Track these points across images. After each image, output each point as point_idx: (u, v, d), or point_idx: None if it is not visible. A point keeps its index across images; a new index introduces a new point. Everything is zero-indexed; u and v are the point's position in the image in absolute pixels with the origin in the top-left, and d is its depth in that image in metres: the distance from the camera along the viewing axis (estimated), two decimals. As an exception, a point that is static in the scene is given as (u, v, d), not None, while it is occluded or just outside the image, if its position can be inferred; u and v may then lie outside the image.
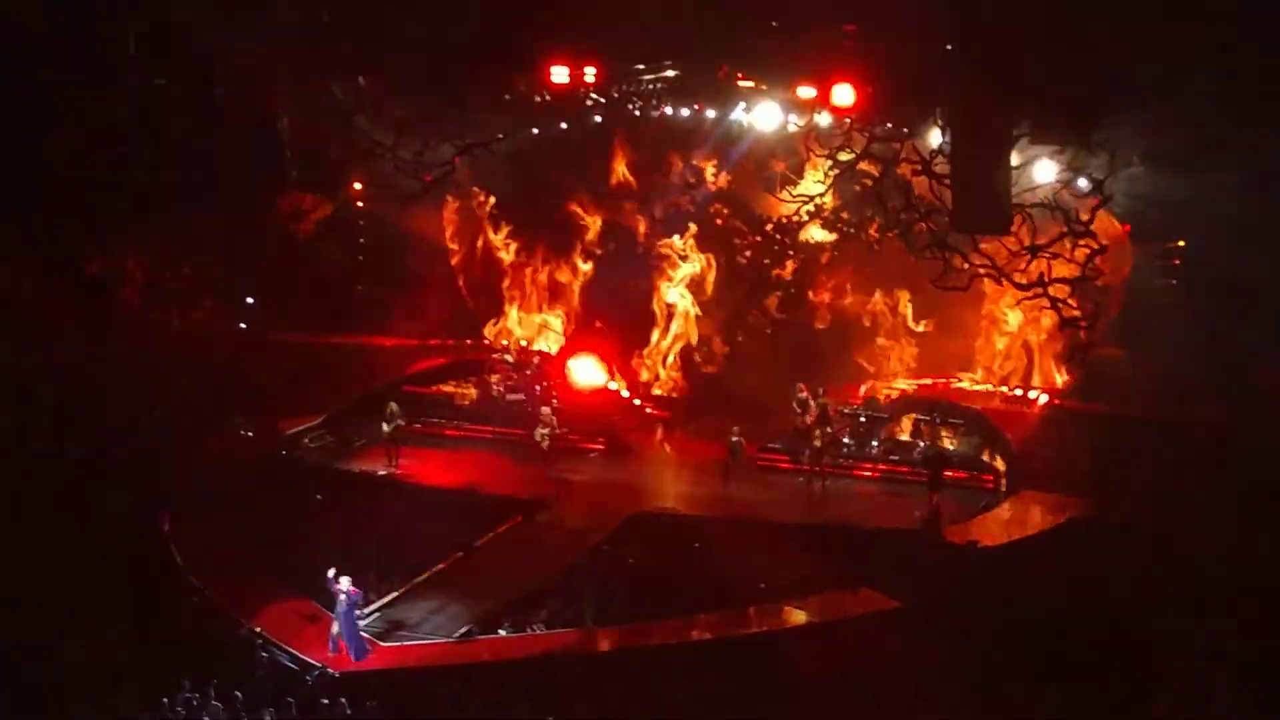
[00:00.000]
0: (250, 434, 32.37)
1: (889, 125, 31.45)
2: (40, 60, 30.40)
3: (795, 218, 38.55)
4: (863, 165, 33.11)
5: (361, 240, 40.47)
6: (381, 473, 32.39)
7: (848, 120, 32.26)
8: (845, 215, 38.18)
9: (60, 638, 23.48)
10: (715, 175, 39.64)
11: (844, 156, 33.11)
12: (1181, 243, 33.14)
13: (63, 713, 21.06)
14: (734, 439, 32.80)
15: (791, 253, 39.64)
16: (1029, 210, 29.80)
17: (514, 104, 35.63)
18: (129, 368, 31.36)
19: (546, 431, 33.89)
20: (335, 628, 23.92)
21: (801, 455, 32.96)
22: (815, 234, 39.08)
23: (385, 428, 32.92)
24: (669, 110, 36.85)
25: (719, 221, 40.02)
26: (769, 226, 39.61)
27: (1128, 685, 19.91)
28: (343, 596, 23.77)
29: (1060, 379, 36.67)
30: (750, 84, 33.91)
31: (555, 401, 35.85)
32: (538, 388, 37.32)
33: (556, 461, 33.88)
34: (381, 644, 24.67)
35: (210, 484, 29.87)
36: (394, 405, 33.18)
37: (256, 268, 37.01)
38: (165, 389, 32.28)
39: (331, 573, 24.10)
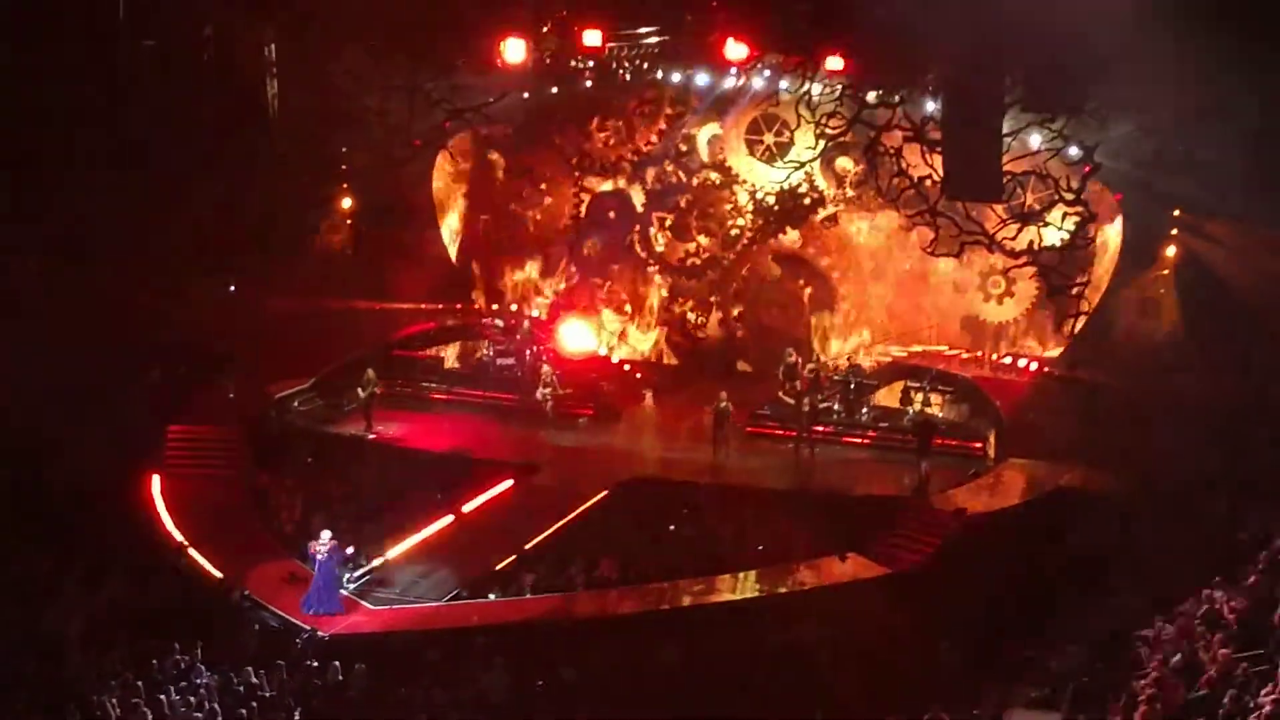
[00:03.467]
0: (233, 396, 32.33)
1: (881, 92, 31.35)
2: (30, 23, 30.19)
3: (786, 184, 38.34)
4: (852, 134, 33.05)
5: (348, 204, 40.23)
6: (370, 437, 32.40)
7: (839, 87, 32.18)
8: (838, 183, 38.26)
9: (49, 600, 23.50)
10: (708, 143, 39.56)
11: (836, 124, 32.97)
12: (1177, 212, 33.15)
13: (51, 675, 21.03)
14: (721, 405, 32.80)
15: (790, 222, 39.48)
16: (1020, 178, 29.82)
17: (505, 68, 35.31)
18: (120, 329, 31.23)
19: (548, 391, 34.03)
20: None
21: (790, 421, 33.03)
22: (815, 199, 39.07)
23: (361, 394, 33.00)
24: (660, 75, 36.71)
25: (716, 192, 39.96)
26: (768, 195, 39.30)
27: (1116, 653, 19.98)
28: (321, 551, 23.99)
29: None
30: (743, 49, 33.72)
31: (547, 365, 35.85)
32: (528, 352, 37.29)
33: (556, 421, 34.00)
34: (369, 606, 24.77)
35: (200, 447, 29.87)
36: (370, 372, 33.20)
37: (246, 232, 36.81)
38: (155, 351, 32.20)
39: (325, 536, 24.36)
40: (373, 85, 35.03)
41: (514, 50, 33.35)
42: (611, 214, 40.58)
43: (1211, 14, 24.30)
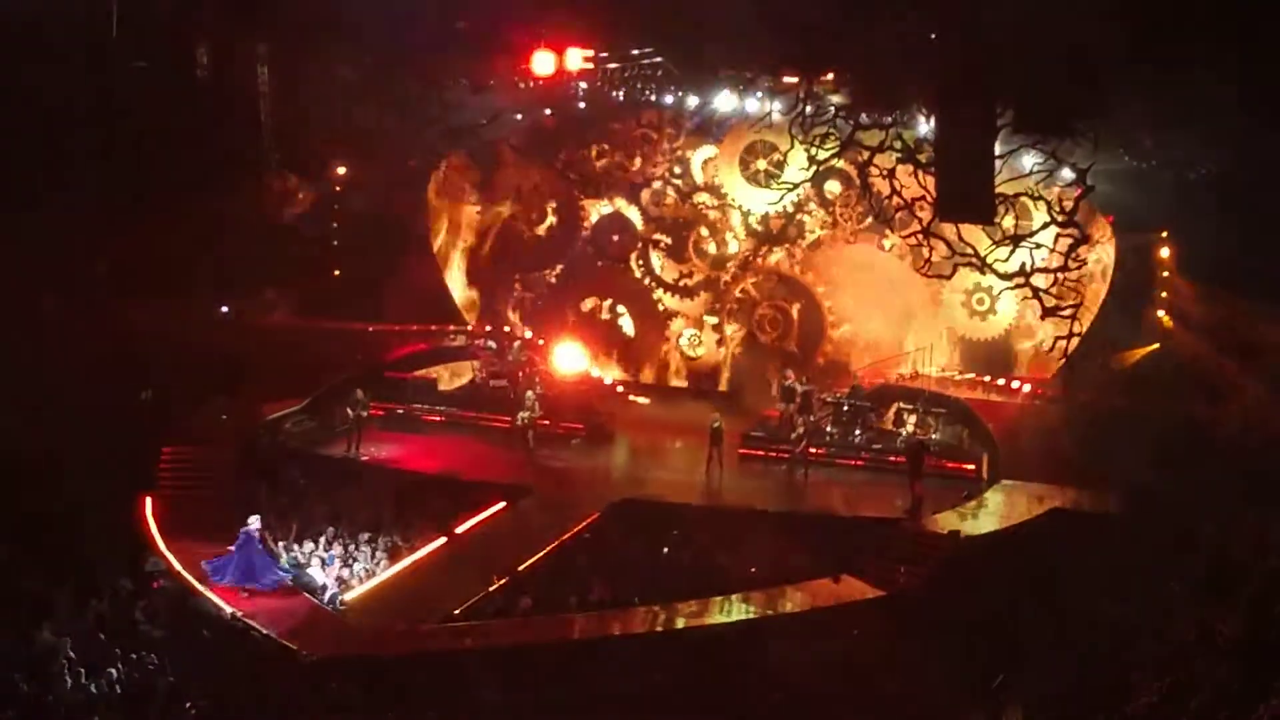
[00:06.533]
0: (225, 418, 32.27)
1: (874, 114, 31.39)
2: (22, 44, 30.24)
3: (779, 206, 38.48)
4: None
5: (335, 225, 40.24)
6: (362, 458, 32.35)
7: (832, 108, 32.23)
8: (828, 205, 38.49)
9: (40, 620, 23.38)
10: (702, 165, 39.75)
11: (829, 146, 33.02)
12: (1164, 233, 33.25)
13: (39, 694, 20.93)
14: (715, 424, 32.80)
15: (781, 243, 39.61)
16: (1012, 200, 29.84)
17: (499, 89, 35.44)
18: (113, 351, 31.20)
19: (527, 415, 33.93)
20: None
21: (784, 443, 33.06)
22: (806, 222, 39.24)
23: (350, 414, 33.02)
24: (653, 97, 36.81)
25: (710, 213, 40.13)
26: (757, 219, 39.48)
27: (1111, 675, 19.95)
28: (251, 532, 25.20)
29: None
30: (735, 71, 33.87)
31: (539, 387, 35.80)
32: (520, 374, 37.28)
33: (537, 446, 33.89)
34: (358, 627, 24.75)
35: (192, 468, 29.77)
36: (359, 393, 33.19)
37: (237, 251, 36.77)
38: (149, 373, 32.14)
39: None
40: (367, 103, 35.15)
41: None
42: (615, 237, 40.81)
43: (1203, 35, 24.38)
